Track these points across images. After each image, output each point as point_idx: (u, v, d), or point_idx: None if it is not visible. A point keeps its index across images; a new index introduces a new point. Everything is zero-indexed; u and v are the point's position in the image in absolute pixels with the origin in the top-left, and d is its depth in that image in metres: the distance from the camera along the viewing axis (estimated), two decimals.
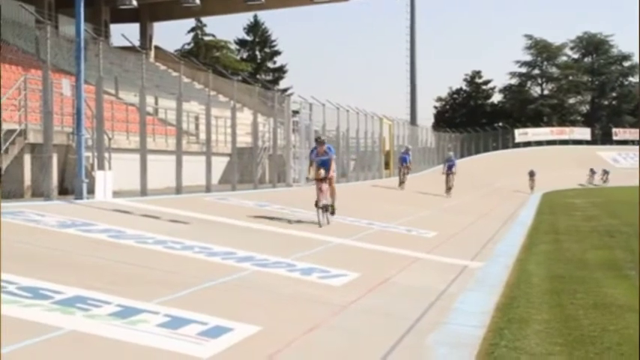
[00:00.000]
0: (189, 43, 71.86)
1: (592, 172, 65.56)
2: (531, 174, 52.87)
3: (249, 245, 12.86)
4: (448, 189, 35.01)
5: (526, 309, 10.10)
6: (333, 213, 17.99)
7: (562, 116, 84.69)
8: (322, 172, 17.81)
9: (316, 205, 17.53)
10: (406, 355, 7.60)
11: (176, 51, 62.17)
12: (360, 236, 16.69)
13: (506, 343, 8.08)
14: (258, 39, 77.49)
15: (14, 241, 10.40)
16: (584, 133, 79.59)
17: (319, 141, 18.46)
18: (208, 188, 22.25)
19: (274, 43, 77.85)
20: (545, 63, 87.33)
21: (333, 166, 18.22)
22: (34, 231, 11.92)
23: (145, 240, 12.35)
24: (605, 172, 66.66)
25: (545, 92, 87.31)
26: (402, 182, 34.81)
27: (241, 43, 77.44)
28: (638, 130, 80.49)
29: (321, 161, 17.99)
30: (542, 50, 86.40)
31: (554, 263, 15.26)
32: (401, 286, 11.53)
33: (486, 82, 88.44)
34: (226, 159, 27.56)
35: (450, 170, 35.77)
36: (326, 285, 10.71)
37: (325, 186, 17.80)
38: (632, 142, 79.64)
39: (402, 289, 11.21)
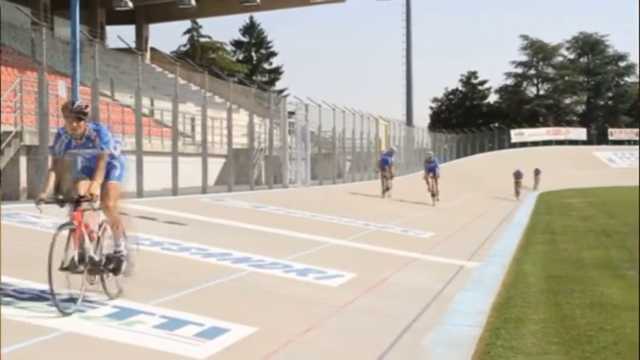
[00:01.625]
0: (185, 45, 71.91)
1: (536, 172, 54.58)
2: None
3: (246, 246, 12.86)
4: (432, 195, 29.89)
5: (522, 309, 10.11)
6: None
7: (558, 116, 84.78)
8: None
9: None
10: (403, 355, 7.61)
11: (172, 52, 62.11)
12: (356, 237, 16.69)
13: (503, 343, 8.09)
14: (254, 40, 77.51)
15: (11, 243, 10.38)
16: (580, 133, 79.68)
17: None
18: (204, 189, 22.24)
19: (270, 45, 77.96)
20: (541, 63, 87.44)
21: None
22: (31, 233, 11.90)
23: (141, 241, 12.31)
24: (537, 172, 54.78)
25: (541, 92, 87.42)
26: (386, 189, 29.98)
27: (237, 44, 77.49)
28: (634, 130, 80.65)
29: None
30: (538, 51, 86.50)
31: (551, 263, 15.28)
32: (397, 286, 11.53)
33: (482, 83, 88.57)
34: (222, 160, 27.54)
35: (432, 173, 30.44)
36: (322, 285, 10.71)
37: None
38: (629, 142, 79.75)
39: (398, 290, 11.22)
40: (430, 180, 30.17)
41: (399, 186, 31.31)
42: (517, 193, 43.48)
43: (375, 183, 33.02)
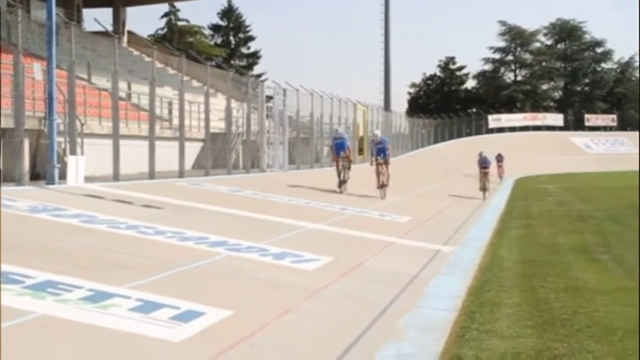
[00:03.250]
0: (162, 28, 71.53)
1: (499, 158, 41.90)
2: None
3: (222, 230, 12.85)
4: (382, 186, 23.93)
5: (497, 292, 10.18)
6: None
7: (535, 102, 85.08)
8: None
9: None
10: (378, 338, 7.63)
11: (149, 36, 61.78)
12: (333, 221, 16.71)
13: (478, 326, 8.14)
14: (232, 24, 77.20)
15: None
16: (557, 119, 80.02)
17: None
18: (181, 174, 22.18)
19: (248, 29, 77.70)
20: (518, 49, 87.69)
21: None
22: (5, 216, 11.84)
23: (117, 225, 12.30)
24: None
25: (519, 78, 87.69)
26: (342, 182, 24.22)
27: (215, 28, 77.16)
28: (610, 116, 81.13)
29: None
30: (516, 36, 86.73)
31: (526, 247, 15.37)
32: (374, 270, 11.56)
33: (460, 68, 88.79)
34: (200, 144, 27.44)
35: (381, 158, 24.36)
36: (299, 269, 10.72)
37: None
38: (604, 129, 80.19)
39: (374, 274, 11.24)
40: (379, 167, 24.08)
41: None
42: (484, 188, 31.87)
43: (353, 168, 32.90)
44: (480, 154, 33.75)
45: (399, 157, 46.68)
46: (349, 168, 24.64)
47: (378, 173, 23.97)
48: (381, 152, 24.42)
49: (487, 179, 32.31)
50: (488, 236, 17.14)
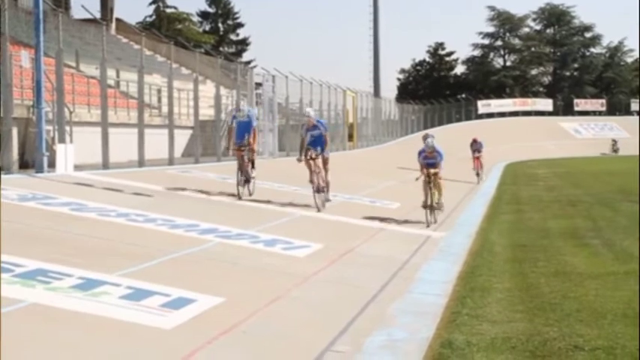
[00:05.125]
0: (150, 16, 71.21)
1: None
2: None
3: (213, 217, 12.84)
4: (318, 190, 16.31)
5: (488, 277, 10.20)
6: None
7: (524, 87, 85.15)
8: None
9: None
10: (369, 324, 7.64)
11: (138, 23, 61.51)
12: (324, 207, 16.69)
13: (468, 311, 8.15)
14: (221, 11, 76.99)
15: None
16: (547, 104, 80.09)
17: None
18: (171, 161, 22.13)
19: (237, 15, 77.54)
20: (507, 34, 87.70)
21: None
22: None
23: (107, 213, 12.27)
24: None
25: (508, 64, 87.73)
26: (246, 181, 17.06)
27: (203, 15, 76.96)
28: (599, 101, 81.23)
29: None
30: (505, 22, 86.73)
31: (516, 232, 15.40)
32: (365, 256, 11.58)
33: (449, 54, 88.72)
34: (189, 132, 27.38)
35: (315, 151, 16.46)
36: (289, 256, 10.73)
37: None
38: (594, 113, 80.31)
39: (365, 260, 11.26)
40: (311, 164, 16.42)
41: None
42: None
43: (342, 155, 32.86)
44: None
45: (389, 143, 46.74)
46: (252, 162, 17.33)
47: (312, 171, 16.34)
48: (316, 142, 16.43)
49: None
50: (478, 221, 17.17)
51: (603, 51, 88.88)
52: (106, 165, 19.06)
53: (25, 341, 5.98)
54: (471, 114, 72.76)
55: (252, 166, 17.23)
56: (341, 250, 11.56)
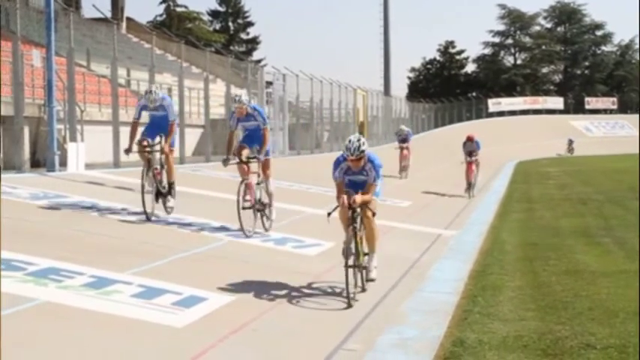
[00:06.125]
0: (161, 15, 71.32)
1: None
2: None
3: (223, 216, 12.82)
4: (252, 207, 11.69)
5: (499, 276, 10.18)
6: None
7: (535, 86, 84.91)
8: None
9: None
10: (381, 322, 7.64)
11: (148, 22, 61.59)
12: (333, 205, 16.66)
13: (480, 310, 8.14)
14: (231, 10, 77.02)
15: None
16: (557, 102, 79.81)
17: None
18: (182, 160, 22.13)
19: (247, 14, 77.53)
20: (518, 32, 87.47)
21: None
22: (6, 203, 11.83)
23: (118, 211, 12.29)
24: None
25: (519, 62, 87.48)
26: (158, 195, 12.32)
27: (214, 14, 76.99)
28: (611, 99, 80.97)
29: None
30: (516, 20, 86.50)
31: (528, 231, 15.36)
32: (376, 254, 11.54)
33: (460, 52, 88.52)
34: (200, 131, 27.40)
35: (250, 151, 11.90)
36: (300, 255, 10.73)
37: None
38: (605, 111, 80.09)
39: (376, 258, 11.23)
40: (242, 169, 11.87)
41: None
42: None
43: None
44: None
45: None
46: (169, 172, 12.59)
47: (243, 180, 11.77)
48: (252, 138, 12.06)
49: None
50: (489, 220, 17.12)
51: (614, 49, 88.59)
52: (117, 164, 19.09)
53: (37, 339, 6.00)
54: (482, 112, 72.57)
55: (170, 177, 12.53)
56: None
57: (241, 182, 11.69)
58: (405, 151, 27.97)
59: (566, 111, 78.61)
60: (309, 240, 11.64)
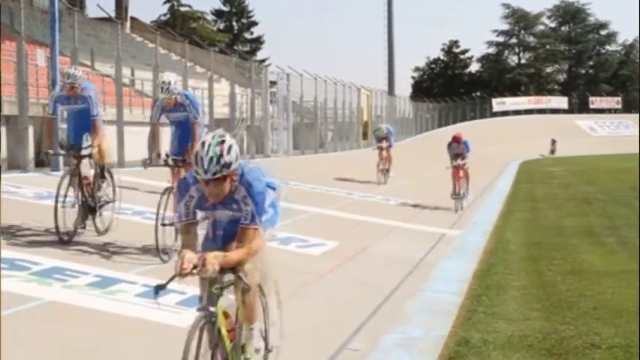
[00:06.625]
0: (165, 14, 71.35)
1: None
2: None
3: None
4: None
5: (504, 275, 10.17)
6: None
7: (539, 85, 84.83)
8: None
9: None
10: (384, 322, 7.63)
11: (152, 22, 61.69)
12: (338, 205, 16.69)
13: (484, 309, 8.13)
14: (235, 9, 77.02)
15: None
16: (562, 101, 79.73)
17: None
18: None
19: (251, 14, 77.50)
20: (522, 32, 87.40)
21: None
22: (11, 203, 11.83)
23: (122, 211, 12.26)
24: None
25: (523, 61, 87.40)
26: (91, 209, 10.40)
27: (218, 13, 77.00)
28: (615, 98, 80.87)
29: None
30: (520, 19, 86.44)
31: (532, 230, 15.35)
32: (379, 254, 11.56)
33: (464, 52, 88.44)
34: (204, 130, 27.40)
35: (182, 148, 10.45)
36: (304, 254, 10.73)
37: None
38: (609, 111, 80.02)
39: (380, 258, 11.24)
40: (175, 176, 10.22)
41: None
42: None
43: (358, 153, 32.71)
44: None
45: (404, 141, 46.65)
46: (102, 173, 10.99)
47: (168, 189, 10.12)
48: (182, 134, 10.68)
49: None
50: (493, 219, 17.10)
51: (619, 48, 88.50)
52: (121, 163, 19.09)
53: (42, 338, 6.00)
54: (486, 112, 72.52)
55: (102, 179, 10.85)
56: (356, 248, 11.55)
57: (166, 191, 9.68)
58: (384, 152, 24.19)
59: (570, 110, 78.50)
60: (313, 240, 11.64)
